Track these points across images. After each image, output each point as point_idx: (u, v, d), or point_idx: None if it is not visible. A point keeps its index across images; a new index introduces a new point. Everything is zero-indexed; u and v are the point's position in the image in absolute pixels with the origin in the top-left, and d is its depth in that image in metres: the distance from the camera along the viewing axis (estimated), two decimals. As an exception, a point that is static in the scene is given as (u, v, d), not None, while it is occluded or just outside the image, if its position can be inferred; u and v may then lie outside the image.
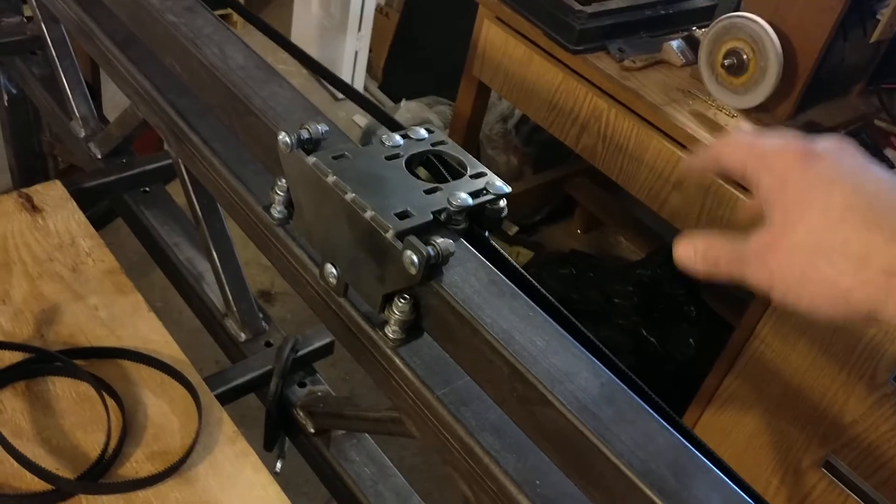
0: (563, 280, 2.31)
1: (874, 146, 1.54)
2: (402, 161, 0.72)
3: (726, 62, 1.54)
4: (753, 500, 0.56)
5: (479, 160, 0.75)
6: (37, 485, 0.81)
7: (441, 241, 0.63)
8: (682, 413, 1.79)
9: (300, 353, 1.02)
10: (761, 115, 1.58)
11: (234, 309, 1.08)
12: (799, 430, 1.54)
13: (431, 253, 0.62)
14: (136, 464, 0.86)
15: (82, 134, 1.32)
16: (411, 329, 0.72)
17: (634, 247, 2.67)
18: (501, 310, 0.64)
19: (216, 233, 1.06)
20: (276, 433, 1.04)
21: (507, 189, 0.72)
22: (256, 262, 2.19)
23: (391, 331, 0.72)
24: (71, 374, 0.90)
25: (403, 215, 0.66)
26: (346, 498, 0.95)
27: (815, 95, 1.56)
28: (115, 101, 2.20)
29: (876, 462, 1.46)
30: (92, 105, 1.33)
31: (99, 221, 1.19)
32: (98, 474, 0.83)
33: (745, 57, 1.51)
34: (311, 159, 0.71)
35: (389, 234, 0.64)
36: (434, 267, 0.64)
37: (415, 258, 0.62)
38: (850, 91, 1.69)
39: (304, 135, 0.73)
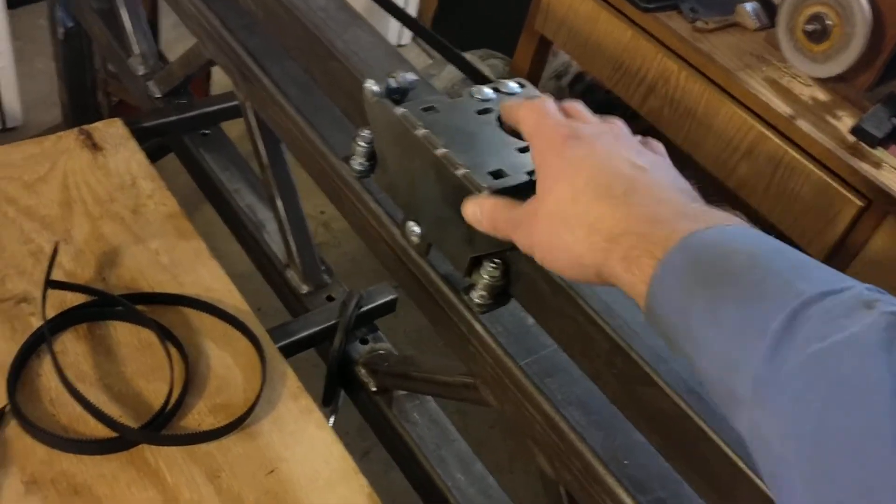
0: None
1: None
2: (494, 116, 0.68)
3: (808, 28, 1.47)
4: None
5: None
6: (100, 431, 0.79)
7: None
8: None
9: (363, 308, 0.99)
10: (839, 84, 1.51)
11: (297, 260, 1.04)
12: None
13: None
14: (199, 416, 0.83)
15: (141, 71, 1.29)
16: (499, 295, 0.68)
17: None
18: None
19: (282, 181, 1.03)
20: (336, 389, 1.01)
21: None
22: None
23: (478, 296, 0.68)
24: (134, 320, 0.88)
25: (498, 174, 0.62)
26: (407, 459, 0.93)
27: (897, 67, 1.49)
28: (171, 37, 2.16)
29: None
30: (153, 42, 1.29)
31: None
32: (161, 424, 0.81)
33: (828, 23, 1.44)
34: (400, 110, 0.67)
35: (483, 195, 0.61)
36: None
37: None
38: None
39: (392, 84, 0.70)
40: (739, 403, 0.39)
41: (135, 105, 1.59)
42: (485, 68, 2.54)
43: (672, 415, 0.57)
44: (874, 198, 1.35)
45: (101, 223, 0.98)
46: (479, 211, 0.59)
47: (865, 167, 1.36)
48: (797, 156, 1.43)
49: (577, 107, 0.60)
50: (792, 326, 0.38)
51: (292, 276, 1.05)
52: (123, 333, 0.88)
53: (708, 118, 1.57)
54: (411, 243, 0.73)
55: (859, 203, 1.36)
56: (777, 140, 1.46)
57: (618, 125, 0.57)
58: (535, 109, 0.58)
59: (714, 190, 1.58)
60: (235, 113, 1.11)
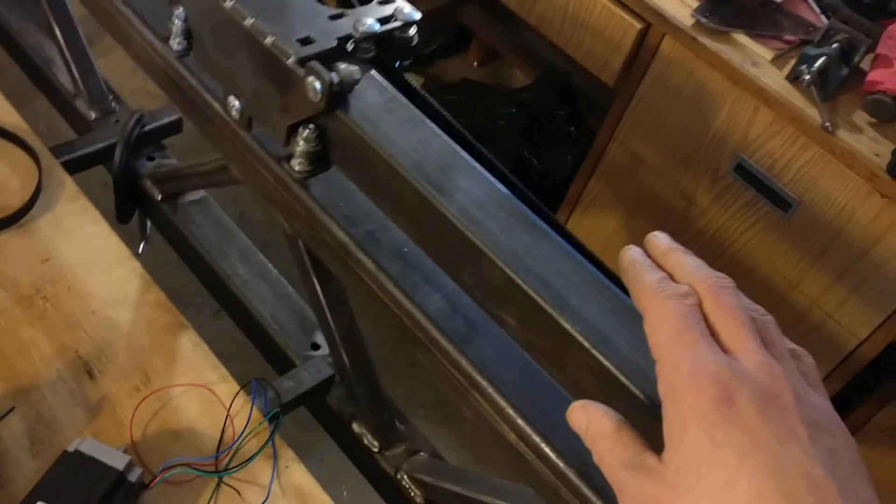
0: (452, 106, 2.35)
1: None
2: None
3: None
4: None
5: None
6: None
7: (345, 68, 0.62)
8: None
9: (147, 127, 1.05)
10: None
11: (83, 88, 1.09)
12: (653, 226, 1.64)
13: (335, 79, 0.60)
14: (-24, 218, 0.89)
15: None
16: (318, 161, 0.69)
17: (527, 77, 2.71)
18: (410, 139, 0.63)
19: (59, 12, 1.06)
20: (128, 206, 1.08)
21: (417, 16, 0.69)
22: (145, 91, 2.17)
23: (297, 163, 0.69)
24: None
25: (306, 41, 0.63)
26: (192, 257, 1.01)
27: None
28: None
29: (718, 250, 1.58)
30: None
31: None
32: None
33: None
34: None
35: (290, 61, 0.62)
36: (339, 94, 0.62)
37: (317, 84, 0.60)
38: None
39: None
40: None
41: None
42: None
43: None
44: (653, 21, 1.47)
45: None
46: (585, 425, 0.45)
47: (643, -8, 1.47)
48: (584, -12, 1.53)
49: (735, 313, 0.42)
50: None
51: (80, 104, 1.10)
52: None
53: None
54: (233, 118, 0.72)
55: (638, 25, 1.48)
56: (566, -26, 1.55)
57: (790, 383, 0.39)
58: (672, 319, 0.41)
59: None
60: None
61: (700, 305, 0.42)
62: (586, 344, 0.54)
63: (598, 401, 0.57)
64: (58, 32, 1.07)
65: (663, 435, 0.40)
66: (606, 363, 0.53)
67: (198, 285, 1.03)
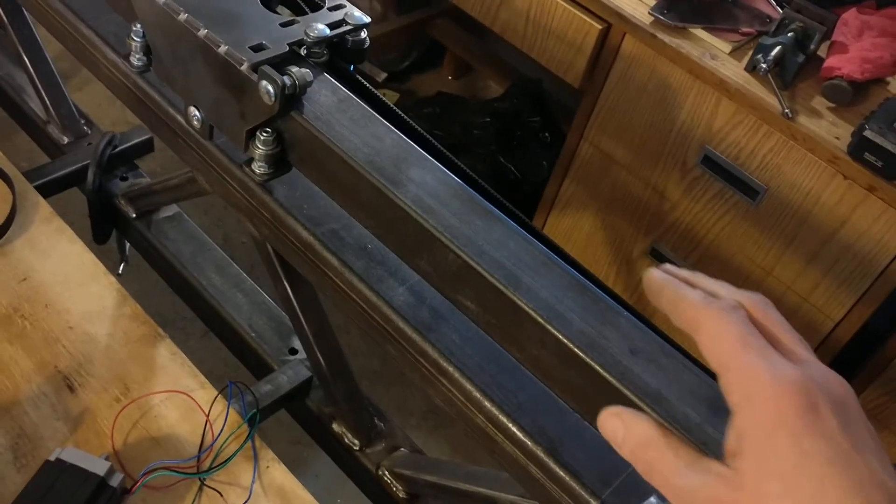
0: (428, 119, 2.38)
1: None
2: None
3: None
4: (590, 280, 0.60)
5: (339, 5, 0.76)
6: None
7: (297, 71, 0.63)
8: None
9: (119, 148, 1.07)
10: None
11: (54, 114, 1.11)
12: (627, 223, 1.67)
13: (287, 82, 0.62)
14: (-47, 243, 0.91)
15: None
16: (278, 163, 0.71)
17: (500, 87, 2.74)
18: (363, 136, 0.65)
19: (26, 39, 1.08)
20: (104, 226, 1.10)
21: (367, 19, 0.71)
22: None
23: (258, 166, 0.71)
24: None
25: (258, 48, 0.65)
26: (167, 271, 1.03)
27: None
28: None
29: (692, 242, 1.60)
30: None
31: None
32: (-87, 250, 0.88)
33: None
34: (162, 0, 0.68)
35: (244, 67, 0.64)
36: (292, 97, 0.64)
37: (270, 88, 0.62)
38: None
39: None
40: None
41: None
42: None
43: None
44: (612, 21, 1.50)
45: None
46: (622, 435, 0.43)
47: (603, -6, 1.50)
48: (545, -8, 1.56)
49: (785, 325, 0.43)
50: None
51: (52, 130, 1.12)
52: None
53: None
54: (194, 128, 0.74)
55: (599, 26, 1.51)
56: (526, -20, 1.58)
57: (853, 392, 0.40)
58: (733, 328, 0.40)
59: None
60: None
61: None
62: (540, 319, 0.56)
63: (556, 375, 0.59)
64: (27, 61, 1.09)
65: (729, 442, 0.39)
66: (560, 336, 0.55)
67: (185, 308, 1.05)
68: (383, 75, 2.72)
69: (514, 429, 0.65)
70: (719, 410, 0.52)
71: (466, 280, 0.60)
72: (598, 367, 0.54)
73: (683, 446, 0.41)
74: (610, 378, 0.54)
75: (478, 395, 0.67)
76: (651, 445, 0.41)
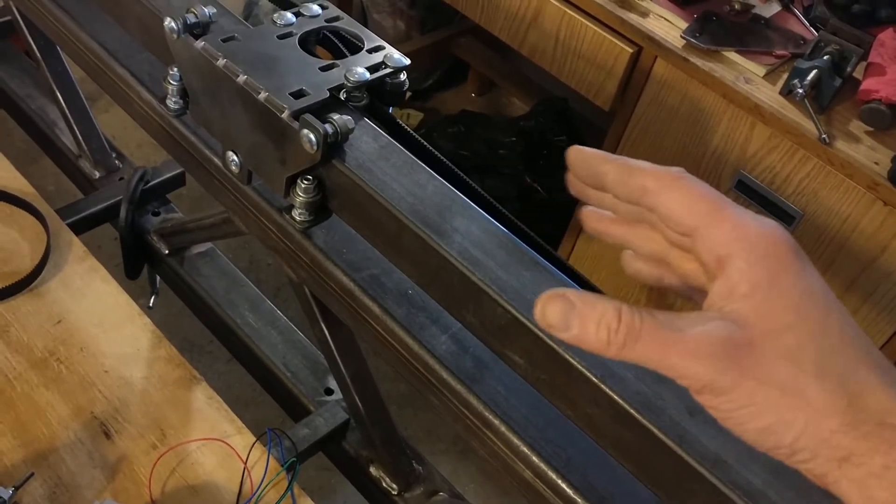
0: (453, 138, 2.37)
1: None
2: (296, 39, 0.70)
3: None
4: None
5: (365, 27, 0.74)
6: None
7: (339, 118, 0.63)
8: (556, 246, 1.89)
9: (151, 183, 1.06)
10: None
11: (86, 148, 1.11)
12: (659, 247, 1.65)
13: (329, 130, 0.62)
14: (-12, 285, 0.91)
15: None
16: (318, 210, 0.71)
17: (524, 105, 2.73)
18: (406, 184, 0.64)
19: (58, 75, 1.08)
20: (137, 262, 1.09)
21: (406, 62, 0.70)
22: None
23: (298, 213, 0.70)
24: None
25: (299, 94, 0.64)
26: (201, 307, 1.02)
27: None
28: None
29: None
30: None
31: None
32: (-52, 294, 0.88)
33: None
34: (200, 44, 0.67)
35: (285, 115, 0.63)
36: (334, 145, 0.64)
37: (312, 137, 0.61)
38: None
39: (191, 19, 0.70)
40: None
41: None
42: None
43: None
44: (643, 45, 1.48)
45: None
46: (578, 324, 0.39)
47: (633, 17, 1.49)
48: (574, 14, 1.55)
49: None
50: None
51: (84, 164, 1.12)
52: None
53: (497, -7, 1.67)
54: (233, 173, 0.73)
55: (630, 50, 1.49)
56: (556, 2, 1.57)
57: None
58: (705, 189, 0.42)
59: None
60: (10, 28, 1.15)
61: None
62: (593, 378, 0.54)
63: (609, 434, 0.57)
64: (59, 95, 1.09)
65: (719, 292, 0.39)
66: (614, 396, 0.53)
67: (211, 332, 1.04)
68: (408, 94, 2.71)
69: (564, 485, 0.64)
70: (779, 474, 0.51)
71: (515, 335, 0.59)
72: (655, 430, 0.52)
73: (646, 310, 0.39)
74: (668, 441, 0.52)
75: (525, 449, 0.65)
76: (611, 318, 0.38)
